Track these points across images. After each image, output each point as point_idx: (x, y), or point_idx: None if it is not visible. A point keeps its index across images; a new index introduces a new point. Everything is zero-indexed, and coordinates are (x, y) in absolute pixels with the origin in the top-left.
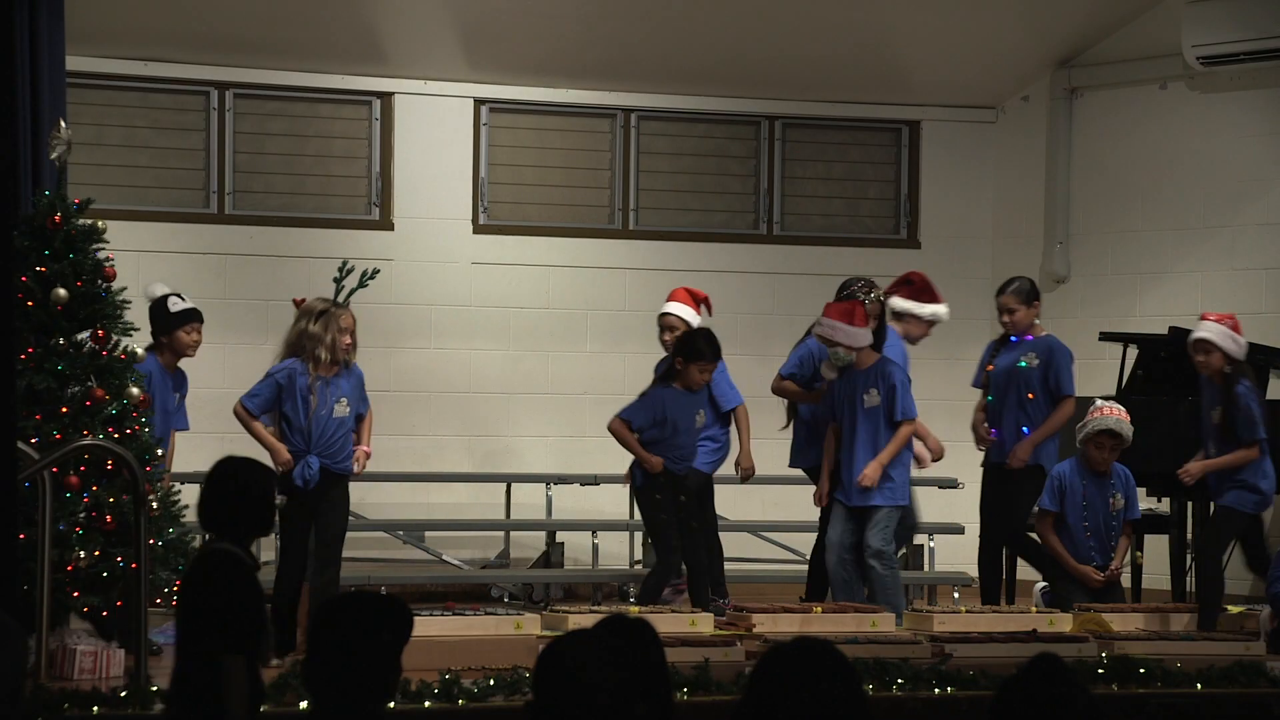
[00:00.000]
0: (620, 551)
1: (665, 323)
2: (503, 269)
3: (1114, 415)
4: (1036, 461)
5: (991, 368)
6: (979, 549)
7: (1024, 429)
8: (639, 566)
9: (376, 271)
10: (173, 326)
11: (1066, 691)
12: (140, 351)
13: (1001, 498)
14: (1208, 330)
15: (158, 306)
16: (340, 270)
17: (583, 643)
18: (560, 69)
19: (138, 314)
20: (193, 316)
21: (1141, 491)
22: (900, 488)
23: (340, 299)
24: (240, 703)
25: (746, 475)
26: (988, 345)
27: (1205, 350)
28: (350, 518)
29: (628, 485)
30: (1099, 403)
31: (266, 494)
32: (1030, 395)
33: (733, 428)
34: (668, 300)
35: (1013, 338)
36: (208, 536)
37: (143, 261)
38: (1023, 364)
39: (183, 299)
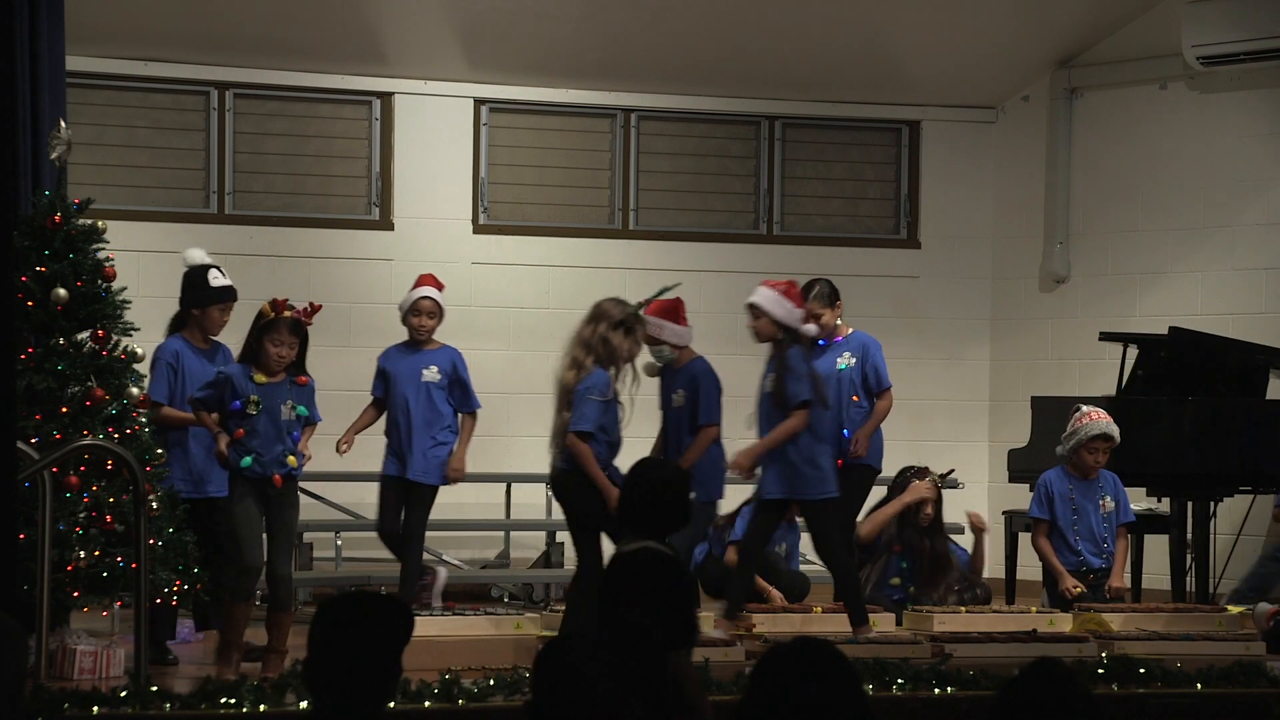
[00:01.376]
0: None
1: (424, 308)
2: (503, 269)
3: (1103, 419)
4: (866, 461)
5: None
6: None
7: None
8: None
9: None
10: (209, 301)
11: (1067, 693)
12: (139, 351)
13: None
14: (758, 295)
15: (197, 276)
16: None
17: (581, 643)
18: (560, 69)
19: (138, 314)
20: (232, 295)
21: (1141, 492)
22: (704, 484)
23: (637, 306)
24: (700, 692)
25: (455, 479)
26: None
27: (755, 315)
28: (350, 517)
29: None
30: (1083, 408)
31: (685, 491)
32: (855, 398)
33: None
34: (423, 285)
35: (821, 340)
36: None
37: (143, 261)
38: (843, 366)
39: (223, 274)
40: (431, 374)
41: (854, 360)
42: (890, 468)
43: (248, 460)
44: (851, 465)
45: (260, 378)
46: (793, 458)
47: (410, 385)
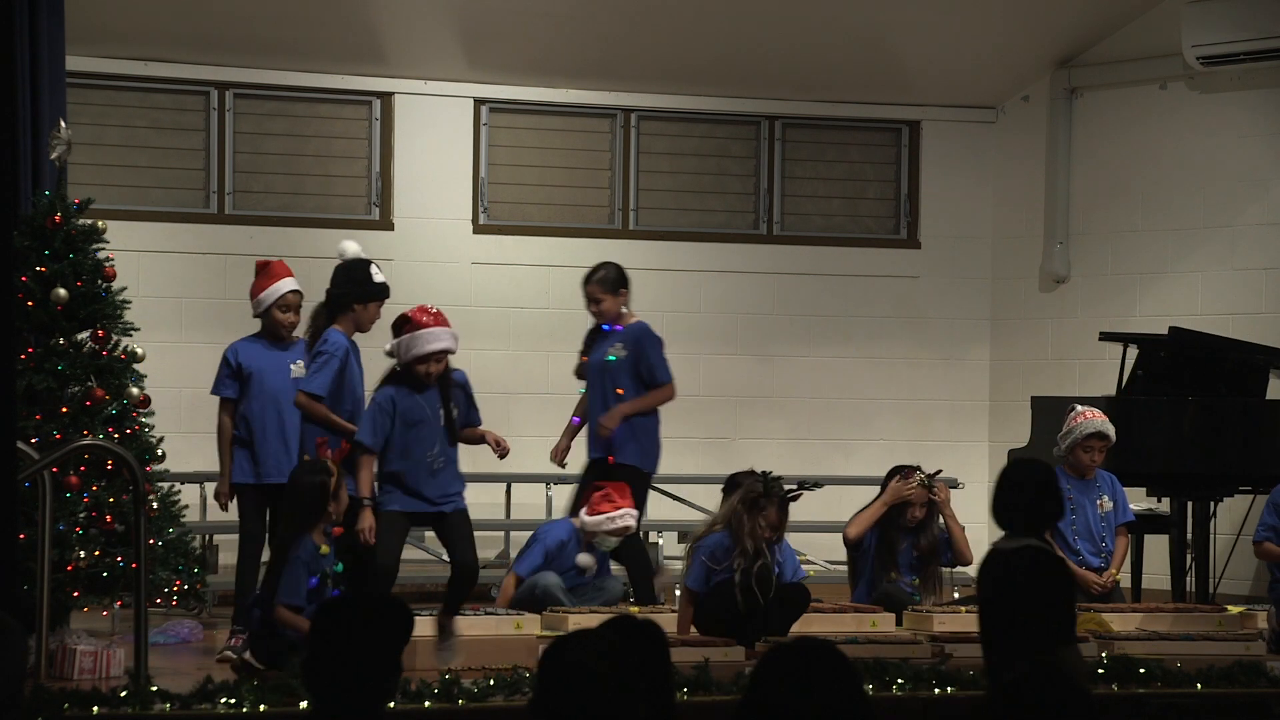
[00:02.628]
0: None
1: (292, 301)
2: (503, 269)
3: (1098, 418)
4: (629, 463)
5: (585, 359)
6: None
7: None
8: None
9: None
10: (374, 296)
11: (1066, 694)
12: (139, 351)
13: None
14: (447, 341)
15: (360, 270)
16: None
17: (586, 642)
18: (560, 69)
19: (138, 314)
20: (389, 292)
21: (1141, 491)
22: None
23: (784, 490)
24: (1084, 673)
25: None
26: (585, 334)
27: (439, 359)
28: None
29: None
30: (1078, 408)
31: (1056, 487)
32: (619, 390)
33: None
34: (286, 277)
35: (604, 327)
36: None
37: (143, 261)
38: (611, 357)
39: (379, 269)
40: (299, 369)
41: (625, 352)
42: (888, 468)
43: None
44: (617, 466)
45: (325, 549)
46: None
47: (279, 383)
